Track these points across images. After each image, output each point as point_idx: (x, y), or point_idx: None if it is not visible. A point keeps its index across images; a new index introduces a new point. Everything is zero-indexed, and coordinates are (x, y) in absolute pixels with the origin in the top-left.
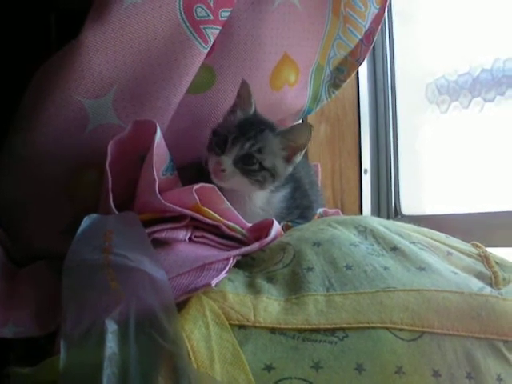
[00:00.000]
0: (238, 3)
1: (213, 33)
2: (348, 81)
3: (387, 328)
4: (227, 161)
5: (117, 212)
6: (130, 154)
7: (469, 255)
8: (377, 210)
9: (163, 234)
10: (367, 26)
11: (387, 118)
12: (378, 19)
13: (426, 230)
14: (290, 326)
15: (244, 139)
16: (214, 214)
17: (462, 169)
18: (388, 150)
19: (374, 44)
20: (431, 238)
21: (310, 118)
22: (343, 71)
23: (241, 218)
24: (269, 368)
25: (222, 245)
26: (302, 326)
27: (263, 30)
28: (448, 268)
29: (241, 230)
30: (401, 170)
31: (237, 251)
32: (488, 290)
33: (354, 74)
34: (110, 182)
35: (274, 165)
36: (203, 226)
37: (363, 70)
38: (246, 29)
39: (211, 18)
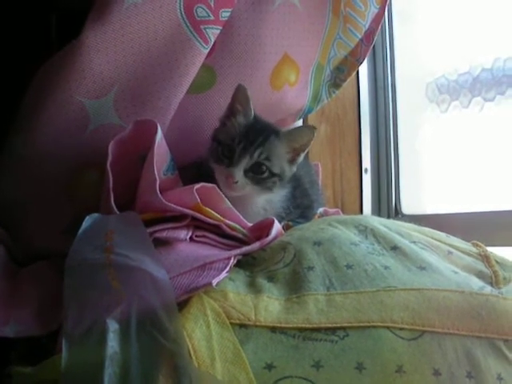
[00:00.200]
0: (239, 3)
1: (213, 33)
2: (348, 80)
3: (388, 327)
4: (238, 172)
5: (118, 212)
6: (131, 154)
7: (469, 254)
8: (377, 210)
9: (164, 234)
10: (367, 26)
11: (387, 118)
12: (378, 19)
13: (426, 229)
14: (290, 325)
15: (252, 149)
16: (214, 213)
17: (462, 168)
18: (388, 150)
19: (374, 43)
20: (431, 238)
21: (311, 118)
22: (343, 71)
23: (241, 217)
24: (269, 367)
25: (223, 244)
26: (303, 325)
27: (263, 30)
28: (448, 267)
29: (241, 229)
30: (401, 169)
31: (238, 251)
32: (488, 289)
33: (354, 74)
34: (110, 181)
35: (281, 169)
36: (204, 225)
37: (363, 69)
38: (247, 29)
39: (212, 18)
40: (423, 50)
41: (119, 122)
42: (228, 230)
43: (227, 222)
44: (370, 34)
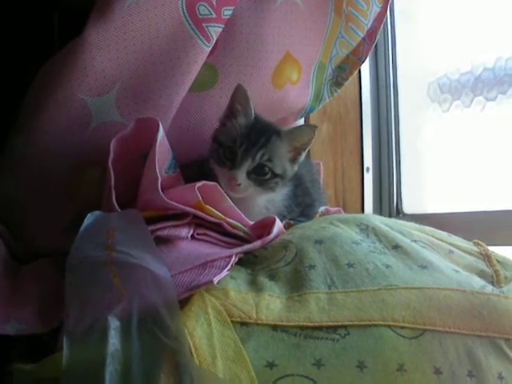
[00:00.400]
0: (241, 2)
1: (215, 31)
2: (350, 79)
3: (389, 326)
4: (241, 175)
5: (119, 209)
6: (133, 152)
7: (470, 253)
8: (379, 209)
9: (166, 232)
10: (369, 25)
11: (389, 117)
12: (380, 18)
13: (427, 228)
14: (291, 324)
15: (254, 150)
16: (216, 211)
17: (463, 167)
18: (390, 149)
19: (377, 42)
20: (433, 237)
21: (313, 117)
22: (345, 70)
23: (243, 215)
24: (271, 365)
25: (225, 242)
26: (304, 324)
27: (265, 28)
28: (449, 266)
29: (243, 227)
30: (403, 168)
31: (239, 249)
32: (489, 288)
33: (356, 73)
34: (112, 179)
35: (283, 169)
36: (206, 223)
37: (365, 68)
38: (249, 27)
39: (214, 16)
40: (425, 49)
41: (121, 120)
42: (229, 229)
43: (229, 220)
44: (372, 33)
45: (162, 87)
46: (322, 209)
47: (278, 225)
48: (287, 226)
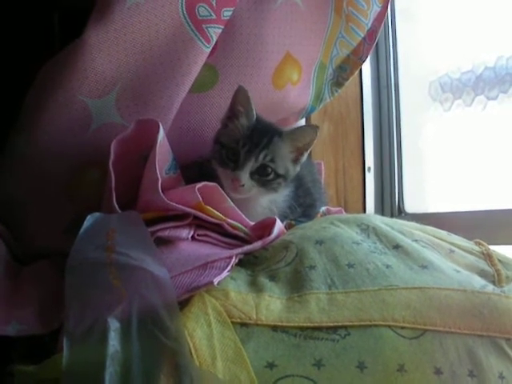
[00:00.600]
0: (241, 2)
1: (215, 32)
2: (351, 79)
3: (389, 326)
4: (244, 176)
5: (120, 211)
6: (133, 153)
7: (471, 253)
8: (380, 208)
9: (166, 233)
10: (370, 25)
11: (390, 116)
12: (380, 17)
13: (428, 227)
14: (291, 324)
15: (257, 151)
16: (216, 212)
17: (465, 167)
18: (391, 148)
19: (377, 42)
20: (434, 236)
21: (314, 117)
22: (346, 69)
23: (243, 216)
24: (271, 366)
25: (225, 243)
26: (304, 324)
27: (265, 28)
28: (450, 266)
29: (243, 228)
30: (404, 168)
31: (239, 250)
32: (490, 287)
33: (356, 73)
34: (113, 180)
35: (286, 169)
36: (206, 224)
37: (366, 68)
38: (249, 28)
39: (214, 17)
40: (426, 48)
41: (121, 121)
42: (230, 229)
43: (229, 221)
44: (372, 33)
45: (163, 88)
46: (323, 209)
47: (279, 225)
48: (288, 227)
